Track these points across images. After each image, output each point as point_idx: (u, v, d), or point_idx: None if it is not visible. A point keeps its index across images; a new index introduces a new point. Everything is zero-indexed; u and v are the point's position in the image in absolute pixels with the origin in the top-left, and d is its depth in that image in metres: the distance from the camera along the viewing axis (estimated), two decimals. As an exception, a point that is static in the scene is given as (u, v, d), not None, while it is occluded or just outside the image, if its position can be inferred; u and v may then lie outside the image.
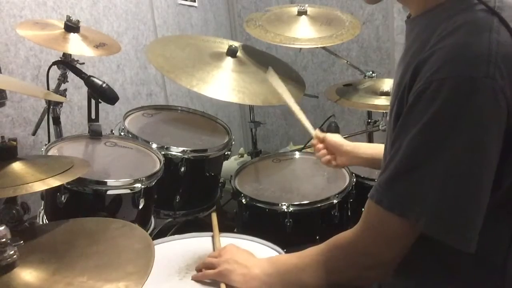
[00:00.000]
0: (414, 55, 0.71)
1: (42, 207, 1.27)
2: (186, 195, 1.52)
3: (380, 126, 1.85)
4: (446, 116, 0.65)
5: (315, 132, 1.28)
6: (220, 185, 1.67)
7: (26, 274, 0.72)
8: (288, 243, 1.16)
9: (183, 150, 1.45)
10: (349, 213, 1.53)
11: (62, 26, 1.45)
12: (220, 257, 0.97)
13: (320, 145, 1.27)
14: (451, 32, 0.68)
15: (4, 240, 0.71)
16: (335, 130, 2.10)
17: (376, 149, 1.21)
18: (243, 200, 1.44)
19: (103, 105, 1.49)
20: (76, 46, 1.42)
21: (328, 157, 1.26)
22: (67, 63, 1.46)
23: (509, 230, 0.73)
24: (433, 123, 0.66)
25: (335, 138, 1.26)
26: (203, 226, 1.35)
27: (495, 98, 0.64)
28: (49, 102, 1.49)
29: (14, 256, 0.72)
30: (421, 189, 0.68)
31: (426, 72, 0.67)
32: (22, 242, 0.75)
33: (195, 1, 2.72)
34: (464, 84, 0.64)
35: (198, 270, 1.00)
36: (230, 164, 1.97)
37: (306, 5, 1.90)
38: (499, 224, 0.72)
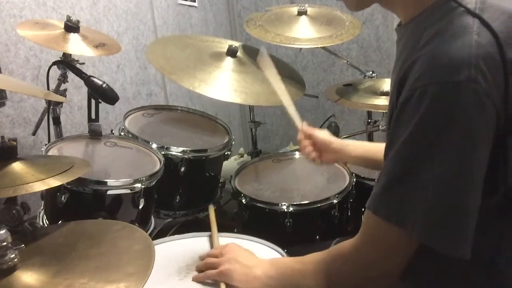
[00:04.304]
0: (403, 64, 0.71)
1: (42, 207, 1.27)
2: (186, 195, 1.52)
3: (380, 126, 1.85)
4: (431, 123, 0.65)
5: (301, 127, 1.22)
6: (220, 185, 1.67)
7: (27, 276, 0.72)
8: (288, 243, 1.16)
9: (183, 150, 1.45)
10: (349, 213, 1.53)
11: (62, 26, 1.45)
12: (221, 256, 0.97)
13: (306, 142, 1.22)
14: (432, 38, 0.68)
15: (5, 243, 0.71)
16: (335, 130, 2.10)
17: (366, 147, 1.18)
18: (243, 200, 1.44)
19: (103, 105, 1.49)
20: (76, 46, 1.42)
21: (314, 154, 1.21)
22: (67, 63, 1.46)
23: (498, 233, 0.72)
24: (419, 131, 0.66)
25: (323, 134, 1.22)
26: (203, 226, 1.35)
27: (480, 101, 0.63)
28: (49, 102, 1.48)
29: (15, 260, 0.72)
30: (413, 198, 0.67)
31: (410, 79, 0.67)
32: (23, 245, 0.76)
33: (195, 1, 2.72)
34: (446, 89, 0.63)
35: (199, 270, 0.99)
36: (230, 164, 1.97)
37: (306, 5, 1.90)
38: (488, 227, 0.71)
